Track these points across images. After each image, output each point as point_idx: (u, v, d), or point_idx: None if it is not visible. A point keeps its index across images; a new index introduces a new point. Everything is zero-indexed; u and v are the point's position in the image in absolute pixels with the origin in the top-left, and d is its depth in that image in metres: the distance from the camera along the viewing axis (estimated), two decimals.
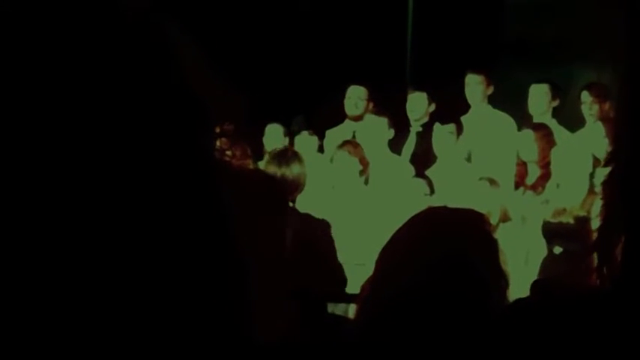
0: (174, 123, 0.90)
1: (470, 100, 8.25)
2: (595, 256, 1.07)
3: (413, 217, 2.28)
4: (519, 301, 1.14)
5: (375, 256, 2.26)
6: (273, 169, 5.47)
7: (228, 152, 4.76)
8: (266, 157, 7.69)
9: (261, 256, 3.84)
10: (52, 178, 0.84)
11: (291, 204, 5.29)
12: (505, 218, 6.54)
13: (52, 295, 0.84)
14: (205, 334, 0.89)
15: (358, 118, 8.31)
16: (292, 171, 5.47)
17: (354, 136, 7.96)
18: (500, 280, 2.16)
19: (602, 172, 1.09)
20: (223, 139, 4.67)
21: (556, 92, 7.92)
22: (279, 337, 2.17)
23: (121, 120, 0.87)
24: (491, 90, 8.25)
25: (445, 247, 2.14)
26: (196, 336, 0.88)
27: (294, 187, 5.44)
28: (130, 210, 0.86)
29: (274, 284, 4.11)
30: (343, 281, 5.53)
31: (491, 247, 2.20)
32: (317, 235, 5.24)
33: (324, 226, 5.38)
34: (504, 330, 1.11)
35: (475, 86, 8.22)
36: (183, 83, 0.91)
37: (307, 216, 5.36)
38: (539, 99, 7.89)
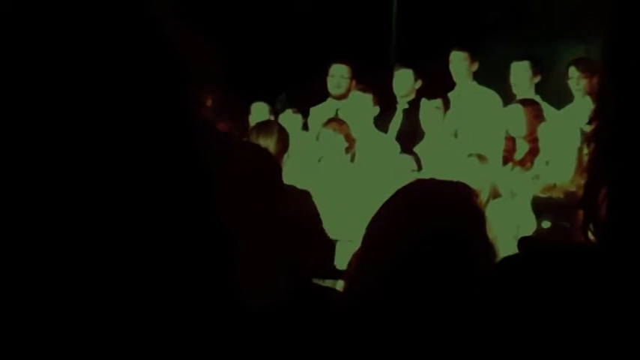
0: (154, 80, 0.90)
1: (455, 77, 8.28)
2: (581, 213, 1.07)
3: (400, 189, 2.27)
4: (507, 257, 1.14)
5: (362, 234, 2.26)
6: (255, 141, 5.48)
7: (217, 125, 4.78)
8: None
9: (253, 226, 3.83)
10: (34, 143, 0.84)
11: None
12: (495, 194, 6.54)
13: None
14: (191, 300, 0.89)
15: (341, 97, 8.31)
16: (274, 142, 5.48)
17: (336, 114, 7.96)
18: (488, 251, 2.15)
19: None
20: (210, 110, 4.67)
21: (537, 68, 7.94)
22: (268, 306, 2.17)
23: (102, 80, 0.87)
24: (475, 66, 8.28)
25: (432, 218, 2.14)
26: (183, 303, 0.89)
27: (277, 158, 5.45)
28: (113, 169, 0.86)
29: (266, 253, 4.11)
30: (332, 253, 5.54)
31: (478, 219, 2.19)
32: (299, 203, 5.27)
33: (305, 195, 5.40)
34: (492, 286, 1.11)
35: (459, 62, 8.25)
36: (160, 38, 0.91)
37: (289, 186, 5.37)
38: (521, 76, 7.91)
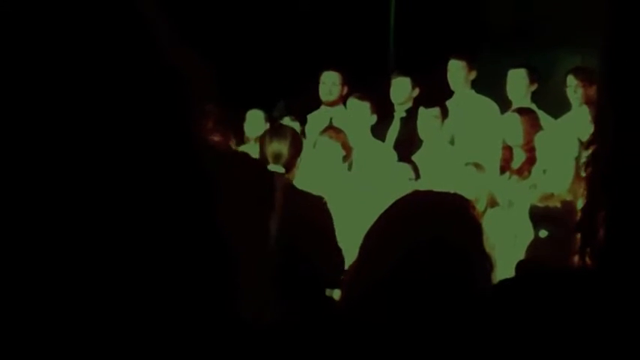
0: (154, 97, 0.90)
1: (452, 86, 8.28)
2: (579, 236, 1.07)
3: (398, 200, 2.27)
4: (504, 281, 1.14)
5: (359, 243, 2.25)
6: (269, 146, 5.44)
7: (212, 136, 4.77)
8: (248, 141, 7.70)
9: (248, 240, 3.82)
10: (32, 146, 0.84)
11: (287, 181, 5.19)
12: (492, 203, 6.54)
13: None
14: (189, 315, 0.89)
15: (333, 104, 8.35)
16: (288, 146, 5.44)
17: (331, 122, 7.96)
18: (485, 263, 2.15)
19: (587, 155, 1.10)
20: (206, 122, 4.65)
21: (534, 76, 7.97)
22: (265, 320, 2.17)
23: (100, 90, 0.87)
24: (473, 75, 8.29)
25: (430, 230, 2.14)
26: (182, 317, 0.89)
27: (291, 163, 5.40)
28: (113, 184, 0.86)
29: (260, 267, 4.10)
30: (341, 264, 5.41)
31: (475, 230, 2.19)
32: (314, 214, 5.12)
33: (320, 204, 5.26)
34: (489, 309, 1.11)
35: (457, 72, 8.26)
36: (160, 56, 0.91)
37: (304, 193, 5.29)
38: (518, 84, 7.93)
